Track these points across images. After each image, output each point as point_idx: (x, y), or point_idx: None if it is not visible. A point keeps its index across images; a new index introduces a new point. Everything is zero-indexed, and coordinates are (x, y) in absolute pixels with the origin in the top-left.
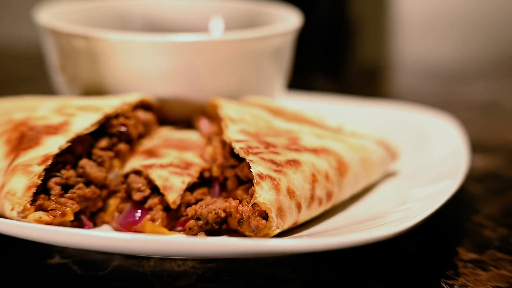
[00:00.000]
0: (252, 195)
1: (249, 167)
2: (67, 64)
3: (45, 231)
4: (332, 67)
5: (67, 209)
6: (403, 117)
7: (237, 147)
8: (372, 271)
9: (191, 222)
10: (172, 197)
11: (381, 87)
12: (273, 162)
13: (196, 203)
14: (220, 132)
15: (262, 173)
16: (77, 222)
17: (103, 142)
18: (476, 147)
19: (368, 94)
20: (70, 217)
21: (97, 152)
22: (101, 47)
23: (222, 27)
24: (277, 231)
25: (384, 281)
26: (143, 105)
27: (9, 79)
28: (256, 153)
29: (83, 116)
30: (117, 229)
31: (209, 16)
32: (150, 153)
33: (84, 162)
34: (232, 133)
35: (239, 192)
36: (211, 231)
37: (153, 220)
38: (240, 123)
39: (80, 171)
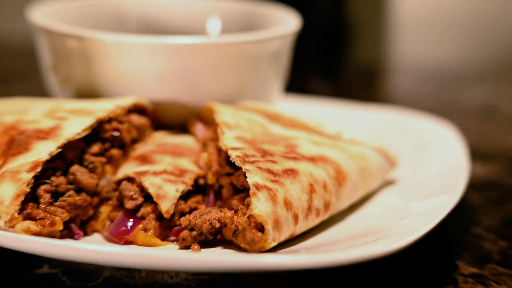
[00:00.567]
0: (248, 205)
1: (245, 176)
2: (60, 64)
3: (33, 242)
4: (329, 68)
5: (57, 218)
6: (401, 123)
7: (233, 155)
8: (370, 285)
9: (185, 233)
10: (166, 206)
11: (378, 89)
12: (270, 171)
13: (190, 212)
14: (215, 137)
15: (258, 184)
16: (67, 231)
17: (95, 148)
18: (475, 153)
19: (365, 96)
20: (60, 227)
21: (88, 157)
22: (95, 48)
23: (219, 27)
24: (273, 244)
25: None
26: (137, 109)
27: (4, 74)
28: (252, 162)
29: (75, 120)
30: (108, 239)
31: (206, 16)
32: (144, 159)
33: (75, 168)
34: (228, 140)
35: (235, 201)
36: (205, 242)
37: (145, 229)
38: (236, 129)
39: (71, 178)
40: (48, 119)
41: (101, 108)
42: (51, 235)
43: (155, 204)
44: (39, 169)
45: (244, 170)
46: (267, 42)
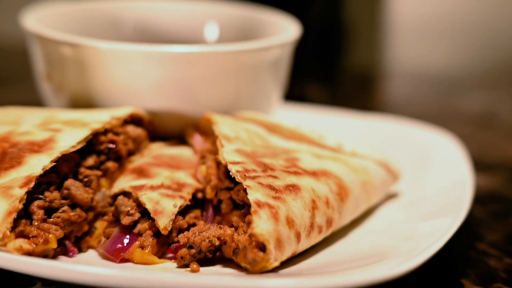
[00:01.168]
0: (249, 223)
1: (246, 192)
2: (54, 72)
3: (25, 263)
4: (325, 73)
5: (50, 235)
6: (401, 133)
7: (233, 169)
8: None
9: (183, 251)
10: (163, 223)
11: (374, 95)
12: (271, 187)
13: (188, 228)
14: (214, 149)
15: (260, 201)
16: (61, 248)
17: (90, 160)
18: (476, 164)
19: (362, 101)
20: (53, 245)
21: (83, 171)
22: (90, 56)
23: (217, 33)
24: (275, 264)
25: None
26: (133, 119)
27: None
28: (253, 177)
29: (69, 132)
30: (103, 256)
31: (203, 21)
32: (140, 172)
33: (70, 182)
34: (228, 154)
35: (235, 217)
36: (204, 260)
37: (142, 247)
38: (235, 141)
39: (65, 193)
40: (41, 130)
41: (96, 119)
42: (44, 253)
43: (152, 220)
44: (32, 184)
45: (245, 186)
46: (267, 50)
